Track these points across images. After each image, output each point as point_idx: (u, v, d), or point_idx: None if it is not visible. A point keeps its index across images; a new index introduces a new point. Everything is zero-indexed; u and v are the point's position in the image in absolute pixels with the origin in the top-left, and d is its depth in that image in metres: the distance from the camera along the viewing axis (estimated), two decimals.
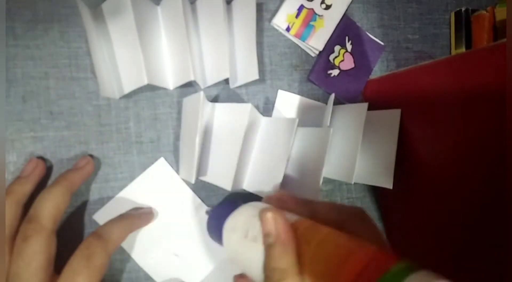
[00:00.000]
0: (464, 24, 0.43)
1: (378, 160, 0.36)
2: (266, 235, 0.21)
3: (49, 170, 0.32)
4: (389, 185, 0.34)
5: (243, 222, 0.24)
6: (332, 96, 0.35)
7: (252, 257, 0.21)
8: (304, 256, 0.20)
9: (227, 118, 0.34)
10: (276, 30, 0.39)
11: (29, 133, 0.32)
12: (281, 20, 0.38)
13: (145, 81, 0.31)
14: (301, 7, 0.38)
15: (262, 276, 0.20)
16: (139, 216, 0.33)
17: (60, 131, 0.33)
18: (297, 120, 0.33)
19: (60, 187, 0.29)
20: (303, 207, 0.24)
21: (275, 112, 0.39)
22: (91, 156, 0.34)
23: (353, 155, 0.34)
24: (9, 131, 0.32)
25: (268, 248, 0.20)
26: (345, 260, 0.18)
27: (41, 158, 0.32)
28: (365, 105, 0.35)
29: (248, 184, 0.35)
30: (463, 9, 0.44)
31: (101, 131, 0.34)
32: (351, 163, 0.33)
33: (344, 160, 0.35)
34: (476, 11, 0.43)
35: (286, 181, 0.34)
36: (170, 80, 0.34)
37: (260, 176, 0.34)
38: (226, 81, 0.36)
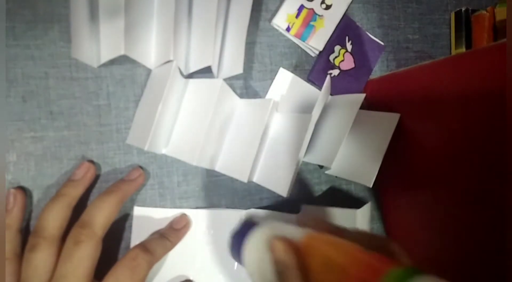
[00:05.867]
0: (464, 24, 0.43)
1: (365, 158, 0.35)
2: (276, 263, 0.22)
3: (49, 169, 0.33)
4: (369, 183, 0.34)
5: (262, 243, 0.25)
6: (328, 78, 0.34)
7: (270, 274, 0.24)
8: (311, 269, 0.22)
9: (198, 93, 0.33)
10: (276, 30, 0.39)
11: (29, 133, 0.32)
12: (281, 20, 0.38)
13: (122, 51, 0.30)
14: (301, 7, 0.38)
15: None
16: (176, 235, 0.33)
17: (60, 131, 0.33)
18: (273, 101, 0.32)
19: (114, 197, 0.29)
20: (334, 234, 0.25)
21: (271, 90, 0.38)
22: (141, 168, 0.34)
23: (339, 140, 0.33)
24: (9, 131, 0.31)
25: (279, 274, 0.22)
26: (348, 265, 0.19)
27: (91, 162, 0.33)
28: (362, 95, 0.35)
29: (221, 166, 0.35)
30: (463, 9, 0.44)
31: (101, 131, 0.34)
32: (334, 147, 0.33)
33: (329, 145, 0.34)
34: (476, 11, 0.43)
35: (259, 166, 0.34)
36: (152, 58, 0.33)
37: (233, 157, 0.34)
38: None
